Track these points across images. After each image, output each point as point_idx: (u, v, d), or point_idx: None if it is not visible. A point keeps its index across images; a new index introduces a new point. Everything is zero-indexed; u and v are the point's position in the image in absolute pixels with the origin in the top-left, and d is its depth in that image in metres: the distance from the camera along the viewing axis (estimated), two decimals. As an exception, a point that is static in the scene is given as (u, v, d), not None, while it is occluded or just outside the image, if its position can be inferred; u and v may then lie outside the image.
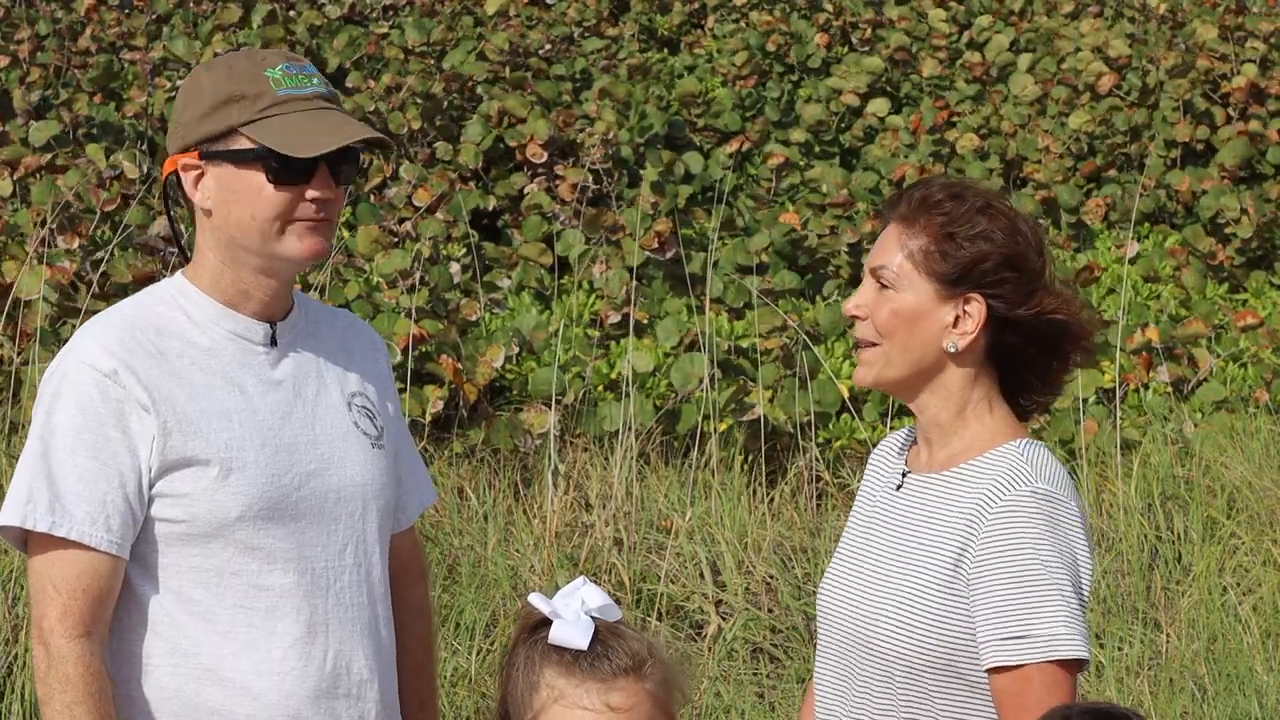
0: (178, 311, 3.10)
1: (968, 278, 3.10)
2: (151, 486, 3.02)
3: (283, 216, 3.04)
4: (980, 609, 3.01)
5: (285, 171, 3.03)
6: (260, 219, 3.04)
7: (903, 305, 3.12)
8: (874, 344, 3.15)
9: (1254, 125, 11.88)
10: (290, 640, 3.06)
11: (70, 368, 3.03)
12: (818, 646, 3.31)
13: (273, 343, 3.13)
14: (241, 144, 3.04)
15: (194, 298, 3.11)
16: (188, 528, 3.02)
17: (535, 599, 2.87)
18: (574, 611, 2.85)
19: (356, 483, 3.15)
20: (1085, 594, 3.04)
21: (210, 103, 3.06)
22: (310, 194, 3.05)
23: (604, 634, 2.85)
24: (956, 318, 3.11)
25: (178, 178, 3.12)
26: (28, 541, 3.03)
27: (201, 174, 3.08)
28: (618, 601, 7.11)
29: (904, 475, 3.23)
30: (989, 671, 3.02)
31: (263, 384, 3.10)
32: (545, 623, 2.87)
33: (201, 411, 3.03)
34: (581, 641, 2.82)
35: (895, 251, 3.13)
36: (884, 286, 3.13)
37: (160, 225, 8.99)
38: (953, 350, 3.12)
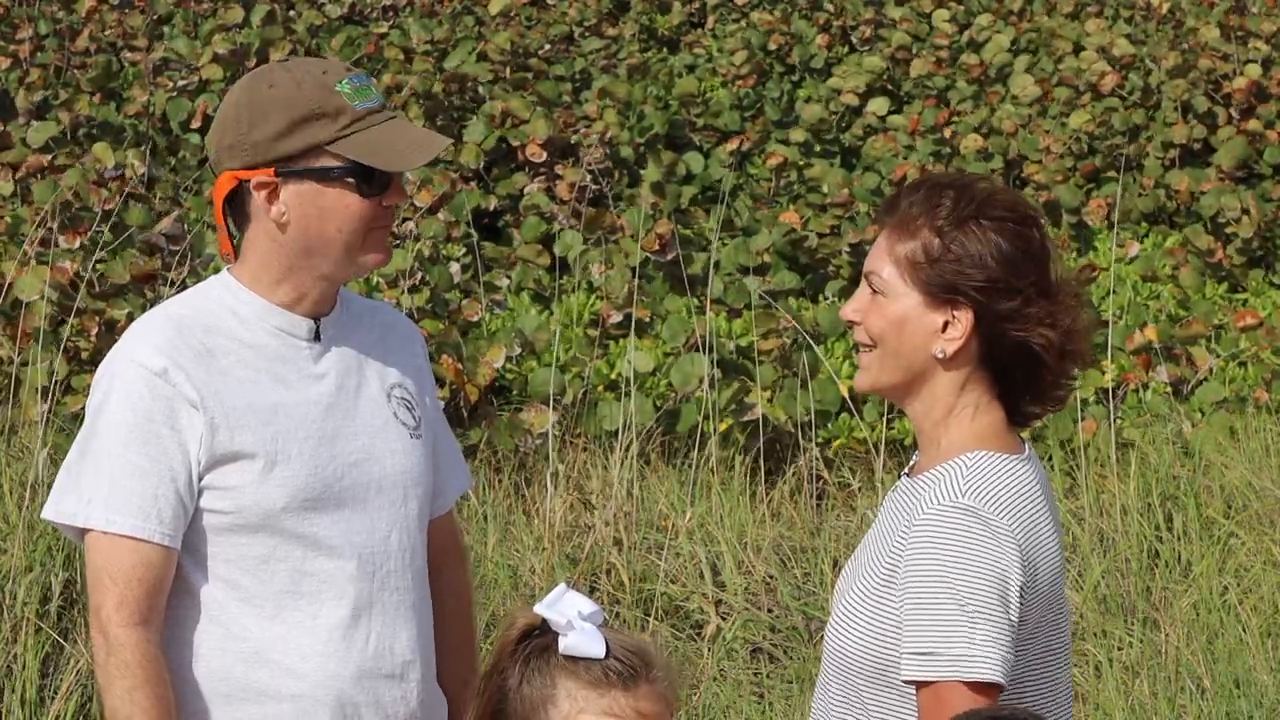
0: (224, 308, 3.21)
1: (953, 287, 3.09)
2: (201, 480, 3.13)
3: (368, 228, 3.17)
4: (903, 621, 3.01)
5: (371, 186, 3.15)
6: (347, 232, 3.16)
7: (892, 311, 3.12)
8: (870, 349, 3.16)
9: (1254, 125, 11.88)
10: (334, 623, 3.18)
11: (121, 367, 3.15)
12: None
13: (316, 338, 3.23)
14: (326, 161, 3.15)
15: (241, 295, 3.21)
16: (235, 518, 3.14)
17: (540, 608, 2.85)
18: (576, 620, 2.84)
19: (397, 471, 3.26)
20: (1010, 615, 2.99)
21: (286, 121, 3.13)
22: (387, 202, 3.18)
23: (607, 639, 2.84)
24: (946, 323, 3.10)
25: (236, 191, 3.19)
26: (85, 533, 3.14)
27: (274, 190, 3.16)
28: (617, 602, 7.12)
29: (899, 478, 3.24)
30: (907, 684, 3.02)
31: (306, 378, 3.21)
32: (532, 632, 2.85)
33: (247, 407, 3.14)
34: (599, 650, 2.81)
35: (885, 257, 3.12)
36: (875, 292, 3.13)
37: (165, 224, 9.00)
38: (941, 356, 3.11)
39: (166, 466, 3.10)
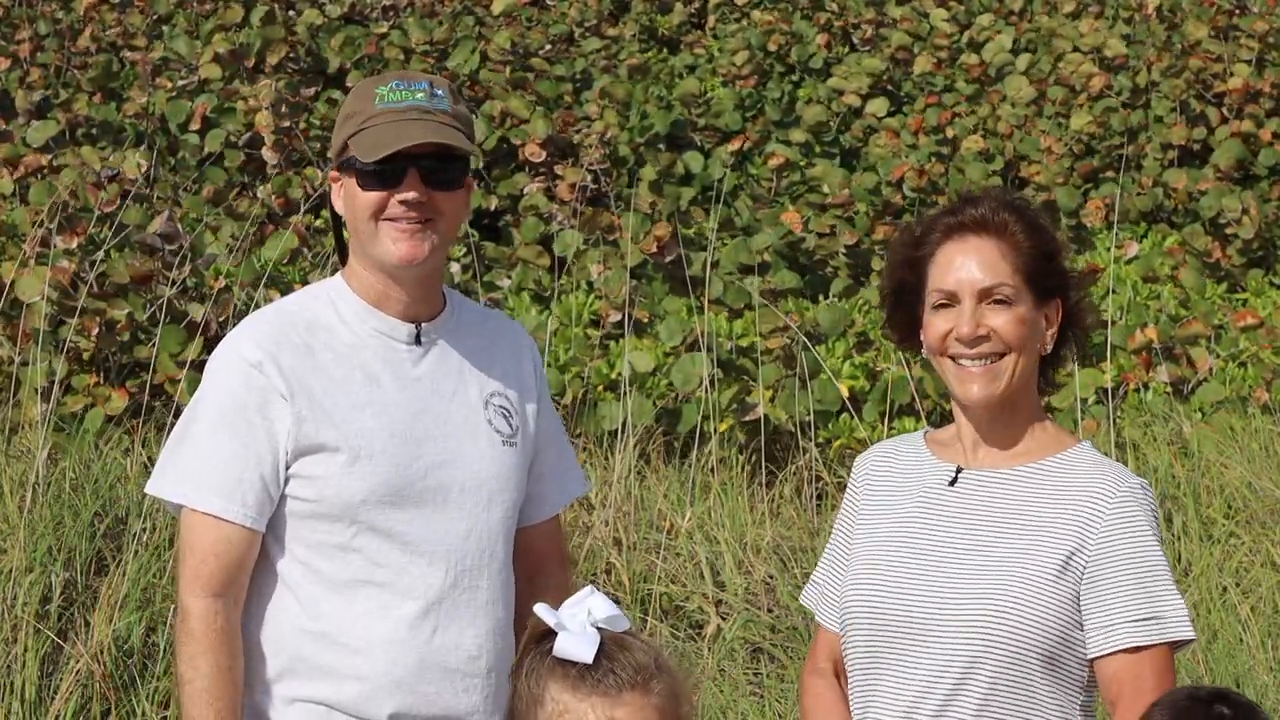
0: (330, 309, 3.42)
1: (1057, 286, 3.31)
2: (288, 468, 3.34)
3: (374, 218, 3.34)
4: (1104, 597, 3.17)
5: (371, 177, 3.34)
6: (359, 220, 3.37)
7: (1022, 316, 3.29)
8: (998, 358, 3.28)
9: (1247, 125, 11.87)
10: (402, 614, 3.33)
11: (223, 357, 3.40)
12: (859, 646, 3.34)
13: (417, 341, 3.41)
14: (347, 155, 3.39)
15: (345, 296, 3.42)
16: (317, 506, 3.34)
17: (541, 610, 2.86)
18: (580, 623, 2.84)
19: (482, 476, 3.42)
20: None
21: (339, 123, 3.42)
22: (399, 197, 3.33)
23: (610, 646, 2.83)
24: (1046, 319, 3.32)
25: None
26: (180, 508, 3.38)
27: (339, 184, 3.46)
28: (617, 602, 7.08)
29: (958, 471, 3.34)
30: (1114, 654, 3.16)
31: (401, 380, 3.39)
32: (552, 633, 2.85)
33: (336, 403, 3.35)
34: (586, 654, 2.81)
35: (1003, 268, 3.28)
36: (1001, 302, 3.28)
37: (158, 224, 8.99)
38: (1044, 352, 3.32)
39: (254, 452, 3.31)
